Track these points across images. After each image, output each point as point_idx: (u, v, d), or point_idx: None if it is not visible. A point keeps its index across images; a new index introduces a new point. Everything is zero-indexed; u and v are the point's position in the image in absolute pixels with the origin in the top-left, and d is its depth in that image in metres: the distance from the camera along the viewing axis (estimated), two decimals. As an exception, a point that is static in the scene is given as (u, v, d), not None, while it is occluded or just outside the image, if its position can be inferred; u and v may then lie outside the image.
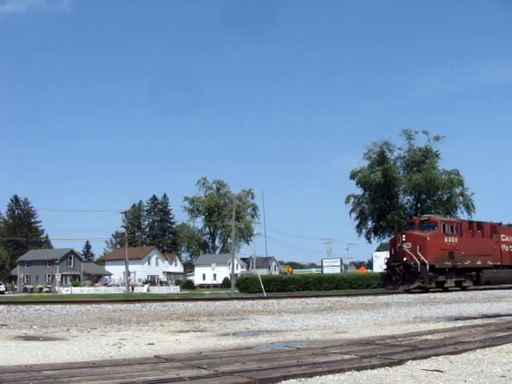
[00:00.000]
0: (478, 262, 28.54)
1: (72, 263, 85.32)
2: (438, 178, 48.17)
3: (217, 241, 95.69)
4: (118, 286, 69.54)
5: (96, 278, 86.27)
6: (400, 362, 5.15)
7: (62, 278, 73.70)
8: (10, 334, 8.47)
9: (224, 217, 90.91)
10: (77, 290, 63.95)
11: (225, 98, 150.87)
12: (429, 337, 7.21)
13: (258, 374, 4.41)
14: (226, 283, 65.96)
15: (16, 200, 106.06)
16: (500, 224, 32.28)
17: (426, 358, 5.41)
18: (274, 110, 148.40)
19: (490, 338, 7.02)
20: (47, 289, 71.22)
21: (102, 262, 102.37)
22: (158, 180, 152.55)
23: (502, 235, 30.87)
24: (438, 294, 23.47)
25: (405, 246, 26.27)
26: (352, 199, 51.57)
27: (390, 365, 5.01)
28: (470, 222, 30.44)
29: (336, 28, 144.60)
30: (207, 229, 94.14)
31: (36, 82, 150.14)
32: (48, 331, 8.86)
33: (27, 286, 77.57)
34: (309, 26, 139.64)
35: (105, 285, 75.60)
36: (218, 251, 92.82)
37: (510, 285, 30.94)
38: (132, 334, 8.31)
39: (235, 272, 52.46)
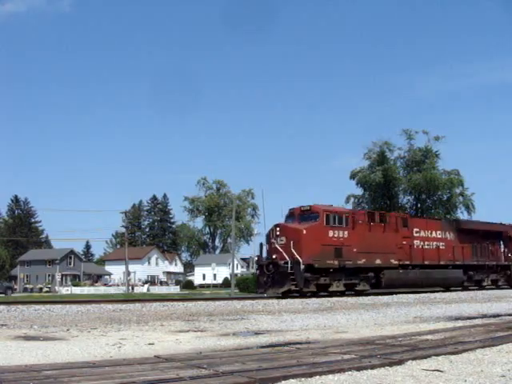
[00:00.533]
0: (378, 261, 23.86)
1: (72, 263, 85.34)
2: (438, 178, 48.24)
3: (217, 241, 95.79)
4: (117, 285, 69.55)
5: (96, 278, 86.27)
6: (400, 362, 5.15)
7: (61, 278, 73.73)
8: (10, 333, 8.47)
9: (224, 217, 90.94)
10: (77, 290, 63.94)
11: (225, 98, 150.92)
12: (429, 337, 7.21)
13: (257, 374, 4.41)
14: (226, 283, 65.95)
15: (16, 200, 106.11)
16: (414, 216, 28.42)
17: (426, 358, 5.41)
18: (273, 110, 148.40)
19: (490, 338, 7.03)
20: (47, 289, 71.21)
21: (101, 261, 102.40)
22: (158, 180, 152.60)
23: (415, 229, 26.29)
24: (437, 294, 23.45)
25: (278, 240, 21.95)
26: (352, 199, 51.71)
27: (390, 365, 5.02)
28: (370, 213, 25.39)
29: (336, 28, 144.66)
30: (207, 229, 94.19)
31: (36, 82, 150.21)
32: (48, 331, 8.86)
33: (27, 285, 77.60)
34: (309, 25, 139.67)
35: (105, 285, 75.62)
36: (218, 251, 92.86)
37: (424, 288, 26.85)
38: (132, 334, 8.31)
39: (235, 272, 52.47)
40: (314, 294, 21.77)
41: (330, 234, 22.48)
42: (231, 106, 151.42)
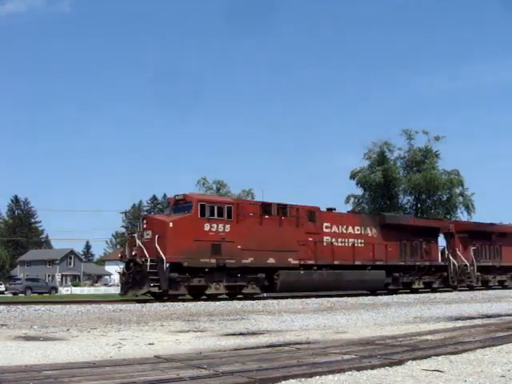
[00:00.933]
0: (271, 260, 20.73)
1: (72, 263, 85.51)
2: (438, 178, 48.23)
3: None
4: (118, 285, 69.45)
5: (96, 278, 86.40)
6: (400, 362, 5.16)
7: (62, 278, 73.82)
8: (10, 333, 8.48)
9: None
10: (77, 290, 64.03)
11: (225, 98, 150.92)
12: (429, 337, 7.21)
13: (258, 374, 4.42)
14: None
15: (16, 200, 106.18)
16: (331, 209, 24.19)
17: (426, 358, 5.42)
18: (274, 110, 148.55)
19: (490, 338, 7.04)
20: (47, 289, 71.23)
21: (101, 262, 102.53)
22: (158, 180, 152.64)
23: (326, 224, 22.92)
24: (437, 294, 23.47)
25: (145, 235, 19.30)
26: (352, 199, 51.64)
27: (390, 365, 5.02)
28: (264, 205, 21.34)
29: (336, 28, 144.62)
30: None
31: (36, 82, 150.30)
32: (48, 331, 8.86)
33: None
34: (308, 26, 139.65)
35: (105, 285, 75.68)
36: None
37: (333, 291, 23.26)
38: (132, 334, 8.31)
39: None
40: (196, 297, 19.58)
41: (206, 227, 19.40)
42: (231, 106, 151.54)
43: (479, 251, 29.57)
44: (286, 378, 4.37)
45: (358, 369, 4.80)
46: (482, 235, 29.77)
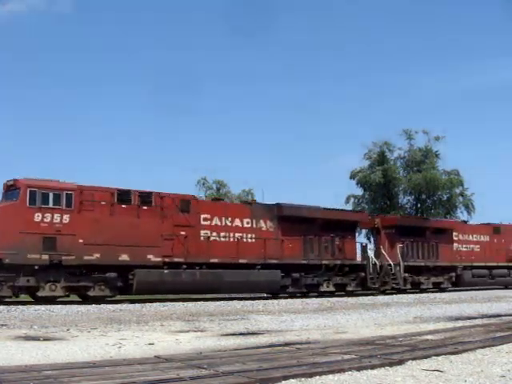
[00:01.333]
0: (124, 257, 17.70)
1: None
2: (438, 178, 48.23)
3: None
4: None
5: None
6: (400, 362, 5.16)
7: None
8: (10, 333, 8.47)
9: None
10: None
11: (225, 98, 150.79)
12: (429, 337, 7.22)
13: (258, 374, 4.42)
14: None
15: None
16: (218, 199, 20.96)
17: (426, 358, 5.42)
18: (274, 109, 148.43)
19: (490, 338, 7.04)
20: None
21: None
22: (159, 180, 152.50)
23: (204, 215, 19.68)
24: (437, 294, 23.44)
25: None
26: (352, 199, 51.60)
27: (390, 365, 5.02)
28: (120, 192, 18.19)
29: (337, 30, 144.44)
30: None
31: (36, 82, 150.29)
32: (48, 331, 8.86)
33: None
34: (308, 26, 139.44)
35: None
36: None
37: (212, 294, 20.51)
38: (132, 334, 8.31)
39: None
40: (38, 299, 16.57)
41: (37, 217, 16.60)
42: (231, 106, 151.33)
43: (409, 249, 25.87)
44: (286, 377, 4.38)
45: (358, 369, 4.80)
46: (415, 231, 26.05)
